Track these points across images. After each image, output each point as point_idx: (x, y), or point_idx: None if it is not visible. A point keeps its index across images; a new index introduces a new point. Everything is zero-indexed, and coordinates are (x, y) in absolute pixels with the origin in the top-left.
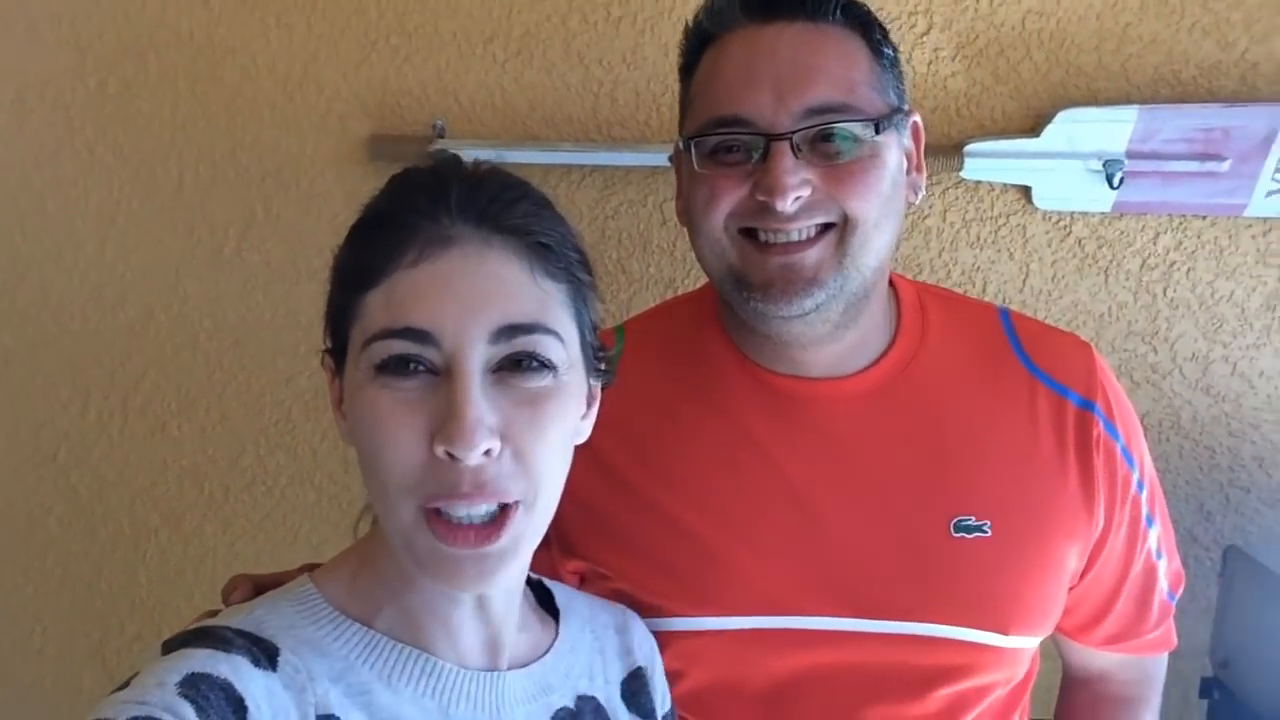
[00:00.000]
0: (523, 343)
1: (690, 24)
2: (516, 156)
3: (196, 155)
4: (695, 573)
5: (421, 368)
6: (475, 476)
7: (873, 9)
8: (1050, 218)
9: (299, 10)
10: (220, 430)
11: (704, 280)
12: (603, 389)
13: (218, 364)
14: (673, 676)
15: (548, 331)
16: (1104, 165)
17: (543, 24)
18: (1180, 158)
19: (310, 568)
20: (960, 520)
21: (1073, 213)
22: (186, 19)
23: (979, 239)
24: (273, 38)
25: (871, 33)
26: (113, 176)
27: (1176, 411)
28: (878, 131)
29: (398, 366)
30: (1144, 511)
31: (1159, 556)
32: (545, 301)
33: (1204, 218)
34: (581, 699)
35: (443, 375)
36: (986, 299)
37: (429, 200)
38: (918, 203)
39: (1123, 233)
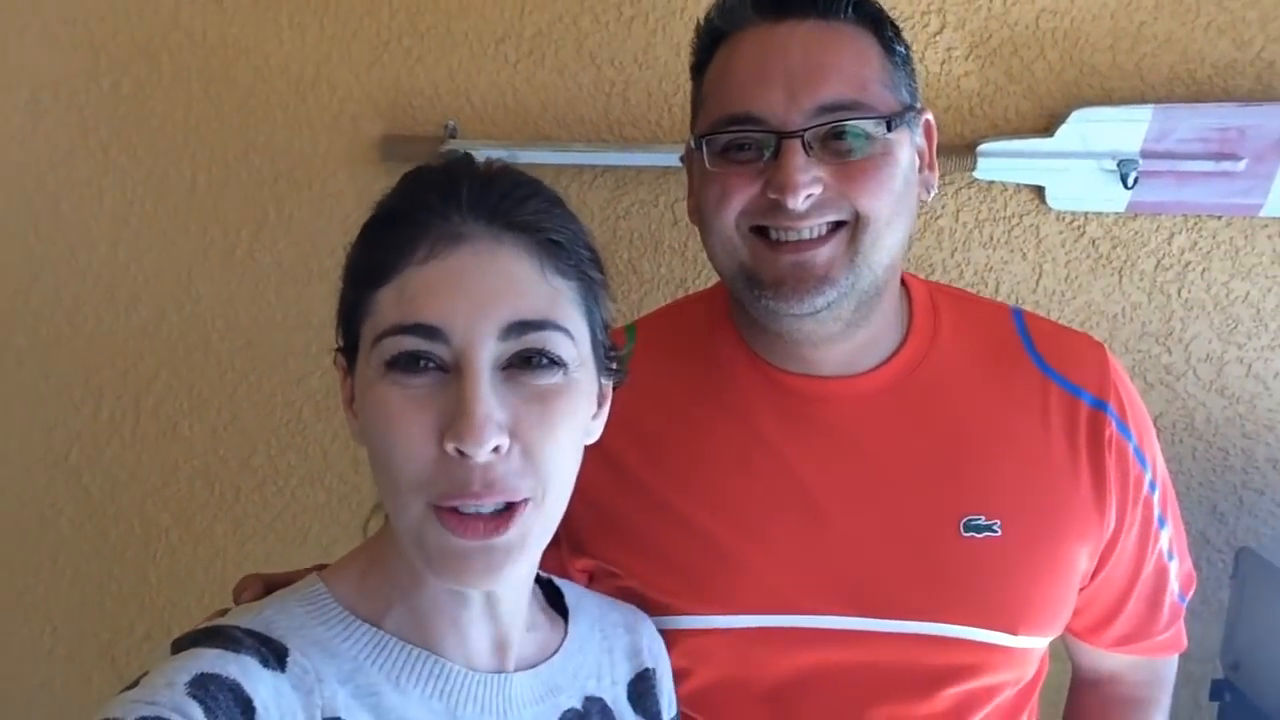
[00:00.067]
0: (532, 339)
1: (702, 22)
2: (528, 157)
3: (209, 156)
4: (706, 572)
5: (431, 364)
6: (485, 474)
7: (885, 8)
8: (1064, 218)
9: (311, 11)
10: (231, 430)
11: (715, 280)
12: (614, 388)
13: (229, 364)
14: (680, 675)
15: (558, 328)
16: (1118, 165)
17: (554, 24)
18: (1195, 157)
19: (321, 568)
20: (970, 520)
21: (1087, 213)
22: (200, 20)
23: (992, 239)
24: (285, 38)
25: (883, 30)
26: (126, 177)
27: (1190, 413)
28: (889, 129)
29: (408, 363)
30: (1156, 512)
31: (1170, 558)
32: (555, 298)
33: (1219, 218)
34: (589, 700)
35: (453, 372)
36: (999, 299)
37: (440, 198)
38: (930, 201)
39: (1137, 233)
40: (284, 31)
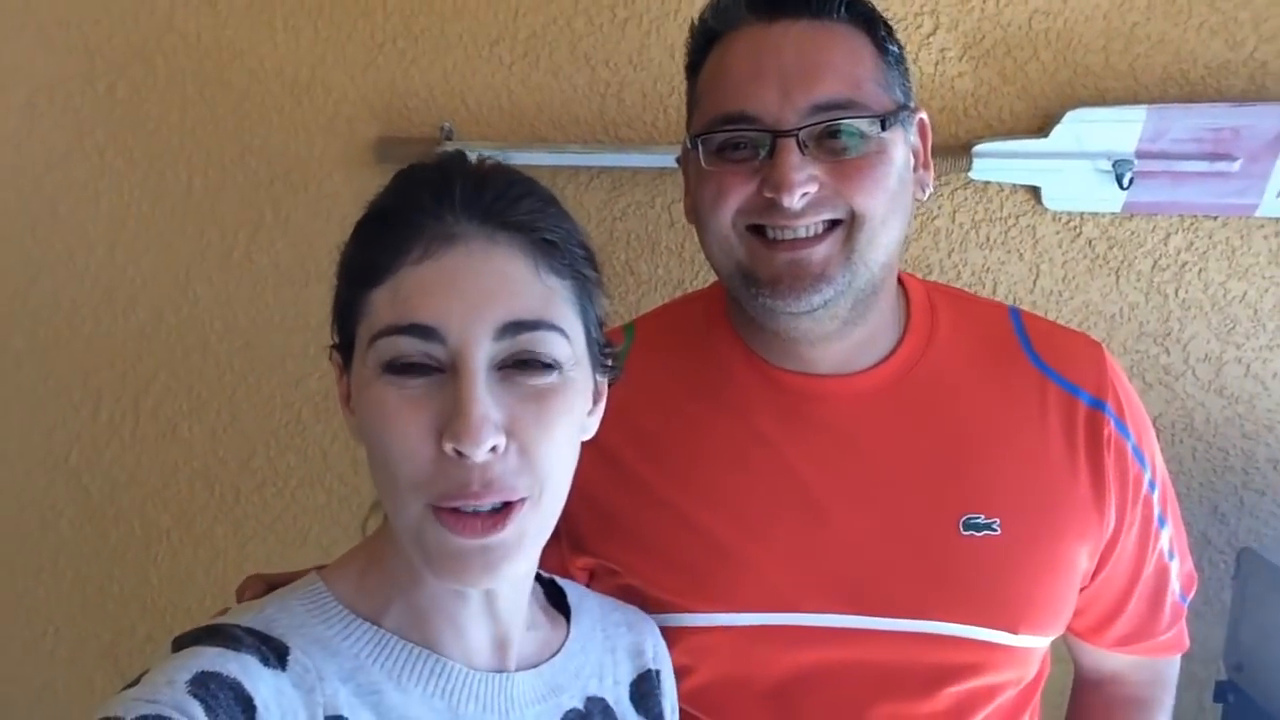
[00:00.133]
0: (527, 339)
1: (696, 23)
2: (524, 158)
3: (205, 158)
4: (707, 570)
5: (427, 365)
6: (483, 474)
7: (879, 10)
8: (1060, 218)
9: (306, 14)
10: (231, 432)
11: (713, 280)
12: (610, 385)
13: (228, 366)
14: (681, 672)
15: (552, 328)
16: (1113, 165)
17: (549, 26)
18: (1190, 158)
19: (322, 569)
20: (969, 518)
21: (1083, 213)
22: (195, 23)
23: (988, 240)
24: (280, 41)
25: (876, 30)
26: (123, 180)
27: (1189, 413)
28: (884, 128)
29: (404, 364)
30: (1156, 512)
31: (1171, 557)
32: (550, 298)
33: (1215, 218)
34: (591, 700)
35: (448, 372)
36: (997, 300)
37: (434, 197)
38: (925, 200)
39: (1133, 233)
40: (279, 34)
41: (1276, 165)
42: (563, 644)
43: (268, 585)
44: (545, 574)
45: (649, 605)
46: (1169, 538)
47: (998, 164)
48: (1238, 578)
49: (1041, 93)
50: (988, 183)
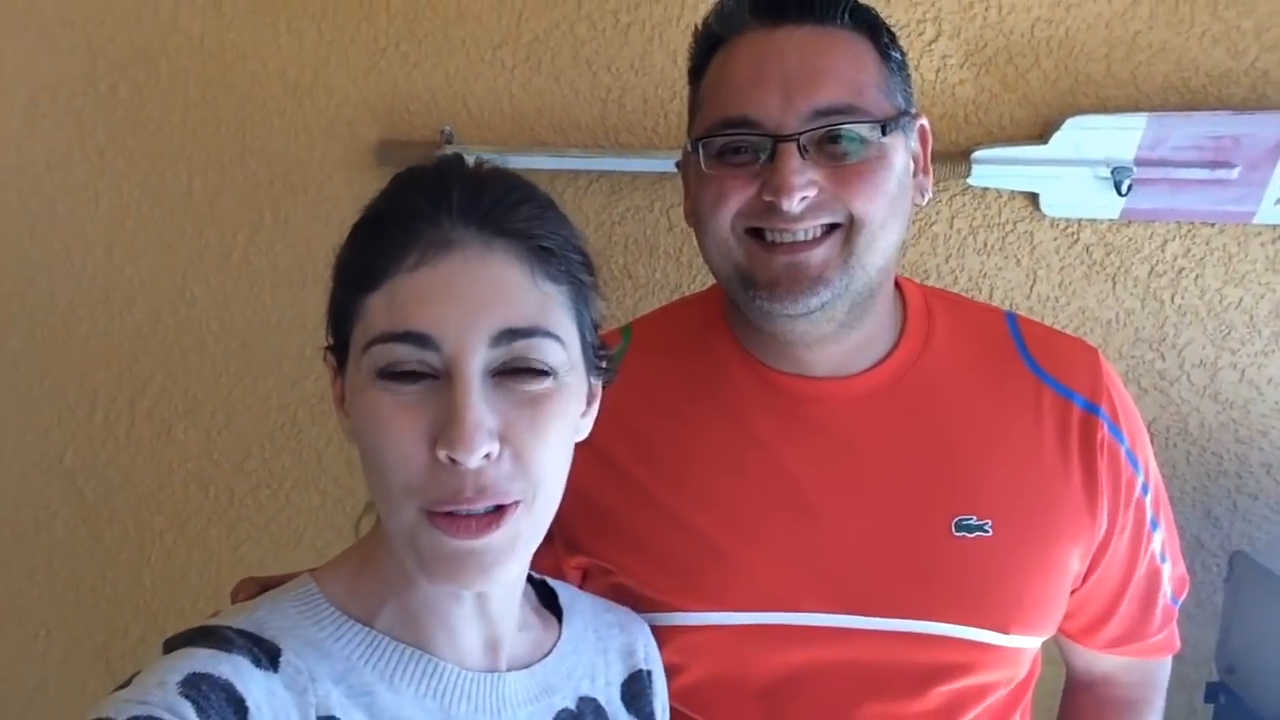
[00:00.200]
0: (522, 347)
1: (699, 27)
2: (524, 162)
3: (206, 160)
4: (699, 570)
5: (422, 371)
6: (476, 480)
7: (882, 16)
8: (1058, 225)
9: (309, 16)
10: (226, 433)
11: (710, 284)
12: (604, 387)
13: (224, 367)
14: (672, 671)
15: (548, 335)
16: (1112, 172)
17: (551, 31)
18: (1189, 165)
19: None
20: (962, 520)
21: (1081, 220)
22: (198, 24)
23: (986, 246)
24: (283, 43)
25: (879, 36)
26: (122, 180)
27: (1184, 418)
28: (884, 133)
29: (399, 370)
30: (1148, 515)
31: (1163, 560)
32: (546, 304)
33: (1213, 225)
34: (583, 700)
35: (443, 379)
36: (993, 305)
37: (430, 203)
38: (924, 205)
39: (1131, 240)
40: (282, 36)
41: (1275, 173)
42: (554, 645)
43: (261, 588)
44: (537, 575)
45: (642, 604)
46: (1161, 541)
47: (997, 170)
48: (1230, 581)
49: (1042, 100)
50: (986, 189)
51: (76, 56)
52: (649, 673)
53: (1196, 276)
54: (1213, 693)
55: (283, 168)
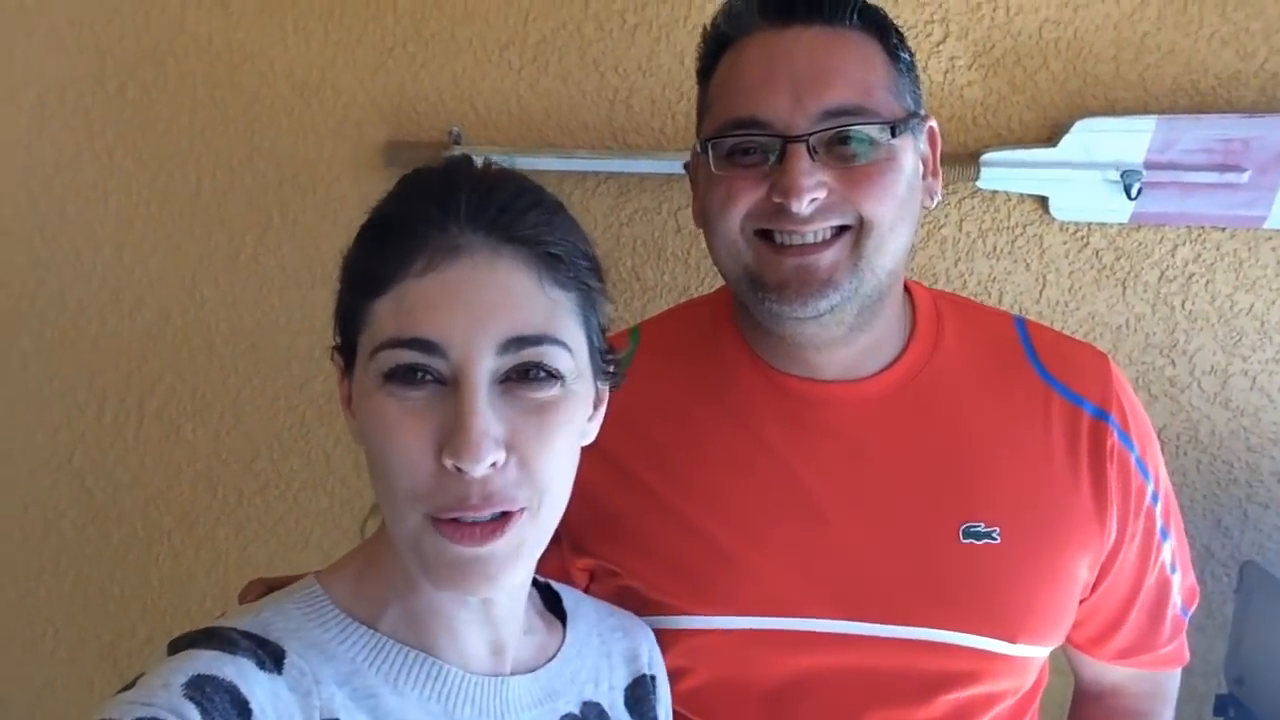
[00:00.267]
0: (530, 354)
1: (708, 28)
2: (531, 163)
3: (214, 160)
4: (706, 573)
5: (429, 377)
6: (482, 488)
7: (890, 17)
8: (1067, 228)
9: (317, 16)
10: (234, 434)
11: (719, 286)
12: (611, 391)
13: (233, 368)
14: (677, 674)
15: (556, 342)
16: (1122, 176)
17: (559, 31)
18: (1199, 168)
19: None
20: (970, 526)
21: (1090, 223)
22: (205, 25)
23: (995, 249)
24: (290, 44)
25: (888, 37)
26: (131, 181)
27: (1195, 425)
28: (894, 135)
29: (405, 376)
30: (1158, 524)
31: (1173, 570)
32: (554, 311)
33: (1223, 229)
34: (587, 705)
35: (450, 385)
36: (1003, 309)
37: (439, 207)
38: (933, 208)
39: (1141, 244)
40: (289, 37)
41: None
42: (559, 649)
43: (269, 589)
44: (541, 578)
45: (648, 607)
46: (1171, 550)
47: (1006, 173)
48: (1240, 591)
49: (1051, 102)
50: (995, 192)
51: (85, 57)
52: (653, 677)
53: (1207, 282)
54: (1222, 705)
55: (291, 168)
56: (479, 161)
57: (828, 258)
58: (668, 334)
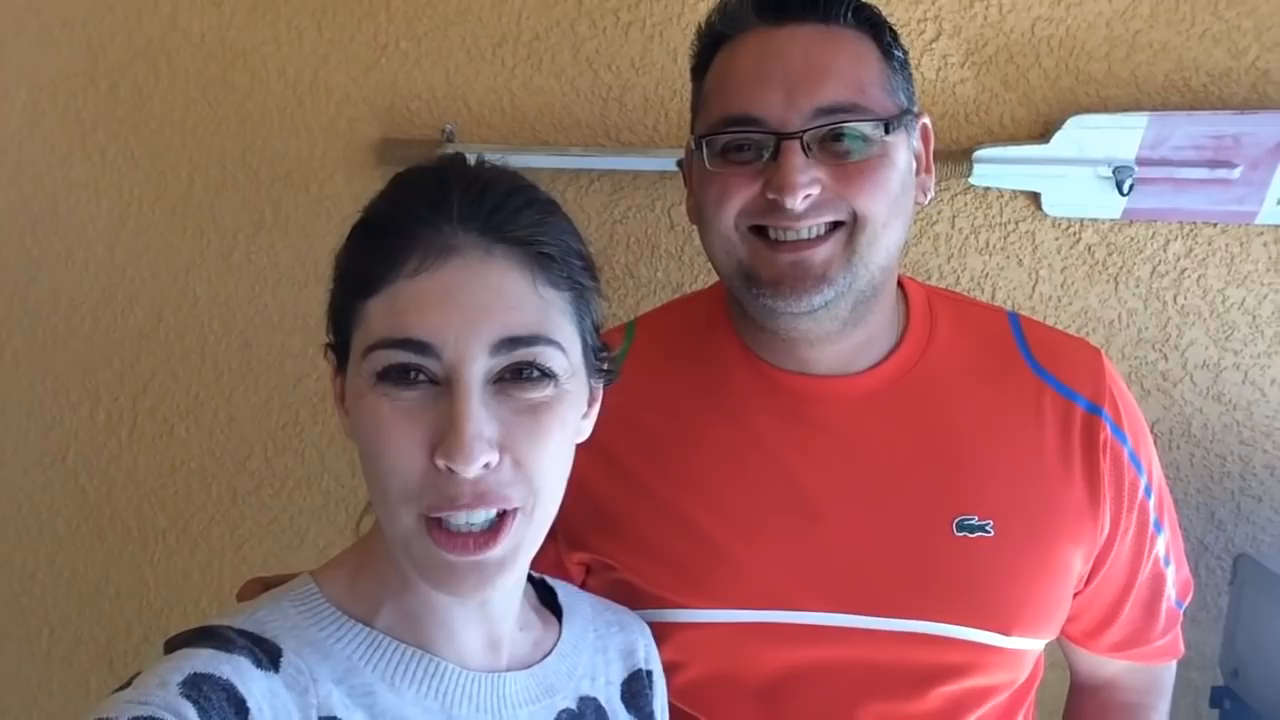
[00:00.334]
0: (523, 354)
1: (702, 25)
2: (525, 161)
3: (207, 158)
4: (700, 566)
5: (422, 377)
6: (475, 487)
7: (883, 14)
8: (1060, 224)
9: (309, 15)
10: (228, 432)
11: (712, 283)
12: (605, 387)
13: (226, 366)
14: (672, 668)
15: (549, 342)
16: (1114, 172)
17: (552, 29)
18: (1191, 165)
19: None
20: (963, 520)
21: (1082, 219)
22: (198, 23)
23: (988, 245)
24: (283, 42)
25: (882, 35)
26: (123, 179)
27: (1187, 419)
28: (887, 132)
29: (398, 376)
30: (1152, 517)
31: (1167, 563)
32: (547, 311)
33: (1215, 225)
34: (583, 700)
35: (443, 385)
36: (996, 304)
37: (431, 207)
38: (926, 204)
39: (1133, 239)
40: (282, 35)
41: (1277, 173)
42: (555, 644)
43: (266, 589)
44: (536, 574)
45: (643, 601)
46: (1165, 544)
47: (998, 169)
48: (1234, 584)
49: (1043, 99)
50: (988, 188)
51: (77, 55)
52: (649, 672)
53: (1199, 277)
54: (1218, 697)
55: (284, 166)
56: (472, 160)
57: (821, 253)
58: (662, 329)
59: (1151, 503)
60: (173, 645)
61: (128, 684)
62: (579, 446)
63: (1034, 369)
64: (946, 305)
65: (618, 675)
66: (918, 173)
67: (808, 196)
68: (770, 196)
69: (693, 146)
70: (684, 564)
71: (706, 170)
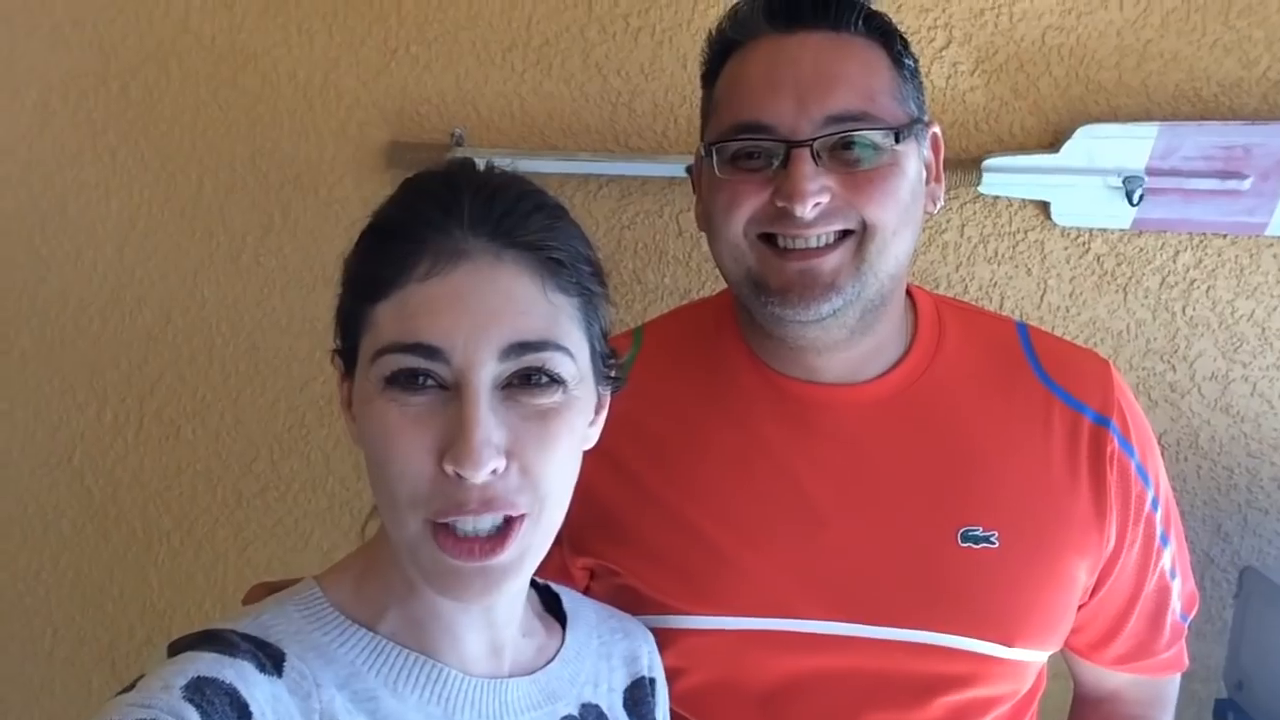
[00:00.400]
0: (532, 360)
1: (713, 32)
2: (534, 166)
3: (216, 160)
4: (704, 573)
5: (431, 382)
6: (482, 493)
7: (894, 23)
8: (1069, 234)
9: (320, 18)
10: (234, 435)
11: (720, 289)
12: (613, 394)
13: (233, 368)
14: (674, 674)
15: (558, 348)
16: (1124, 182)
17: (562, 34)
18: (1201, 175)
19: None
20: (968, 530)
21: (1092, 229)
22: (209, 25)
23: (997, 254)
24: (294, 45)
25: (893, 43)
26: (133, 180)
27: (1195, 431)
28: (897, 140)
29: (407, 380)
30: (1158, 530)
31: (1173, 576)
32: (556, 316)
33: (1224, 236)
34: (586, 706)
35: (451, 391)
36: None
37: (441, 212)
38: (936, 213)
39: (1142, 250)
40: (293, 38)
41: None
42: (558, 651)
43: (271, 593)
44: (540, 580)
45: (646, 606)
46: (1171, 556)
47: (1008, 179)
48: (1240, 596)
49: (1053, 108)
50: (997, 197)
51: (88, 56)
52: (652, 680)
53: (1208, 288)
54: (1221, 710)
55: (293, 169)
56: (481, 165)
57: (830, 262)
58: (670, 336)
59: (1158, 515)
60: (176, 648)
61: (131, 687)
62: (585, 451)
63: (1042, 379)
64: (955, 314)
65: (620, 682)
66: (927, 181)
67: (817, 205)
68: (780, 204)
69: (702, 153)
70: (689, 570)
71: (716, 177)
